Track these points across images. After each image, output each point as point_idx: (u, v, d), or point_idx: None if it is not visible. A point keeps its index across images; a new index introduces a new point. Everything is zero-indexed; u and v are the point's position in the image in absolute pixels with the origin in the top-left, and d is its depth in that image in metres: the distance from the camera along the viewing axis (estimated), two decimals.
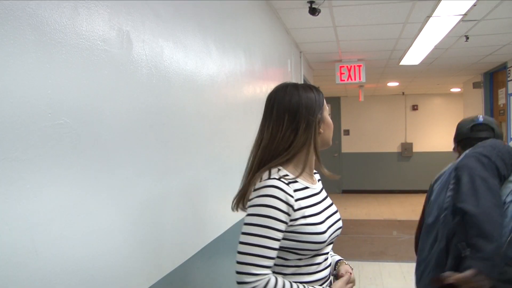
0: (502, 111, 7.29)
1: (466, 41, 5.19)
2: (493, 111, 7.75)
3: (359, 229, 7.61)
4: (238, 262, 1.32)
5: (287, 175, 1.43)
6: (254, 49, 3.15)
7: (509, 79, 6.83)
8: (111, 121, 1.34)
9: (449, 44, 5.53)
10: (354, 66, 6.45)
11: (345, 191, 11.36)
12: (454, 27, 4.61)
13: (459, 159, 2.06)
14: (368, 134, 11.59)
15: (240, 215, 2.63)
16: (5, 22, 0.95)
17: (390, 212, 9.13)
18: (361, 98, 9.08)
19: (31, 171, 1.02)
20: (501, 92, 7.30)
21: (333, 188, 11.54)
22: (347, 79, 6.47)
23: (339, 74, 6.50)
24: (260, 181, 1.40)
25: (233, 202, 1.51)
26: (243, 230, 1.35)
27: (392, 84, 9.73)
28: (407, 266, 5.39)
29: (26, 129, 1.01)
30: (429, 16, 4.26)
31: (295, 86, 1.51)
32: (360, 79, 6.45)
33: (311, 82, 7.23)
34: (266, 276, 1.32)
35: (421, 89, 11.06)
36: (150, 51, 1.57)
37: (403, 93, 11.56)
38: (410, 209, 9.10)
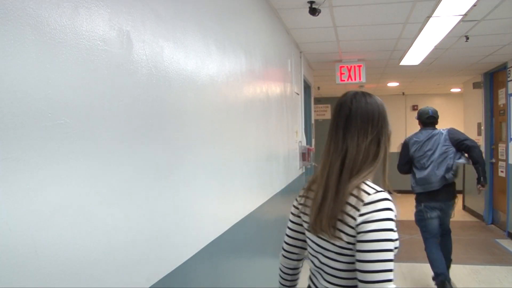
0: (502, 111, 7.29)
1: (466, 41, 5.19)
2: (493, 111, 7.75)
3: None
4: (378, 281, 1.30)
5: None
6: (254, 49, 3.15)
7: (509, 79, 6.82)
8: (111, 121, 1.34)
9: (449, 44, 5.53)
10: (354, 66, 6.45)
11: None
12: (454, 27, 4.60)
13: (445, 130, 4.53)
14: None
15: (240, 215, 2.64)
16: (5, 22, 0.95)
17: None
18: None
19: (32, 171, 1.02)
20: (501, 92, 7.29)
21: None
22: (347, 79, 6.48)
23: (339, 74, 6.50)
24: (369, 195, 1.37)
25: (322, 222, 1.42)
26: (381, 247, 1.32)
27: (392, 84, 9.73)
28: (406, 266, 5.39)
29: (27, 129, 1.01)
30: (429, 16, 4.26)
31: (370, 95, 1.52)
32: (360, 79, 6.46)
33: (311, 82, 7.23)
34: None
35: (421, 89, 11.06)
36: (150, 51, 1.57)
37: (403, 93, 11.56)
38: (410, 209, 9.06)
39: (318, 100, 11.29)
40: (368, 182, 1.41)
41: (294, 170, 5.03)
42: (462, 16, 4.24)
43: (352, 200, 1.38)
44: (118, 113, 1.38)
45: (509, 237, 6.75)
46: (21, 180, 0.99)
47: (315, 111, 9.19)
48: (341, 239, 1.39)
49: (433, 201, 4.51)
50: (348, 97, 1.51)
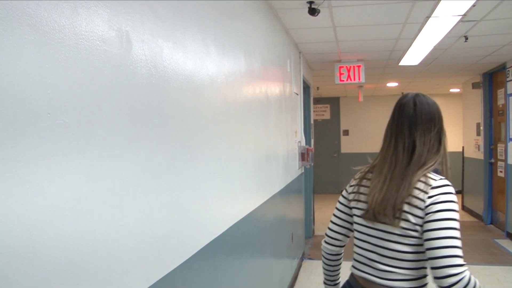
0: (501, 112, 7.29)
1: (466, 41, 5.19)
2: (492, 112, 7.76)
3: None
4: (449, 256, 1.42)
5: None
6: (253, 49, 3.15)
7: (508, 79, 6.83)
8: (111, 121, 1.34)
9: (448, 45, 5.54)
10: (354, 66, 6.45)
11: None
12: (453, 27, 4.61)
13: None
14: (368, 134, 11.58)
15: (239, 215, 2.64)
16: (4, 22, 0.95)
17: None
18: (361, 99, 9.09)
19: (30, 171, 1.02)
20: (500, 93, 7.30)
21: (332, 188, 11.56)
22: (347, 79, 6.48)
23: (338, 74, 6.51)
24: (435, 181, 1.54)
25: (386, 208, 1.57)
26: (449, 225, 1.46)
27: (392, 84, 9.74)
28: None
29: (26, 130, 1.01)
30: (428, 17, 4.27)
31: (428, 96, 1.70)
32: (359, 79, 6.46)
33: (311, 82, 7.23)
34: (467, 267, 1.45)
35: (420, 90, 10.89)
36: (150, 51, 1.57)
37: (402, 94, 11.55)
38: None
39: (318, 100, 11.30)
40: (431, 173, 1.58)
41: (293, 170, 5.03)
42: (461, 17, 4.24)
43: (420, 185, 1.54)
44: (118, 113, 1.38)
45: (508, 237, 6.76)
46: (19, 180, 0.99)
47: (314, 111, 9.19)
48: (407, 220, 1.53)
49: None
50: (410, 98, 1.68)
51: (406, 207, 1.54)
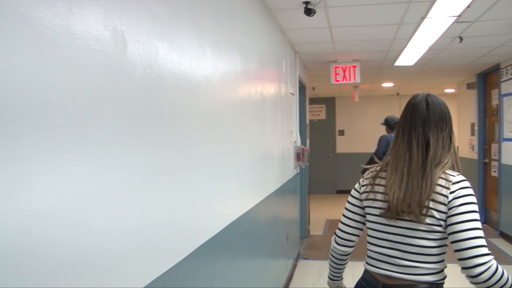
0: (495, 112, 7.33)
1: (460, 42, 5.21)
2: (486, 112, 7.79)
3: None
4: (475, 246, 1.51)
5: None
6: (249, 49, 3.15)
7: (502, 80, 6.86)
8: (106, 121, 1.34)
9: (443, 45, 5.56)
10: (349, 66, 6.46)
11: (340, 191, 11.37)
12: (448, 28, 4.62)
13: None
14: (363, 134, 11.61)
15: (234, 215, 2.64)
16: None
17: None
18: (356, 99, 9.10)
19: (26, 171, 1.01)
20: (494, 93, 7.33)
21: (328, 188, 11.58)
22: (342, 80, 6.49)
23: (333, 74, 6.52)
24: (454, 177, 1.63)
25: (411, 205, 1.62)
26: (472, 217, 1.55)
27: (387, 84, 9.76)
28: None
29: (21, 130, 1.00)
30: (423, 17, 4.28)
31: (438, 97, 1.76)
32: (354, 79, 6.47)
33: (306, 82, 7.24)
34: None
35: (415, 90, 10.99)
36: (145, 51, 1.57)
37: (397, 94, 11.59)
38: None
39: (313, 100, 11.30)
40: (449, 170, 1.66)
41: (289, 170, 5.03)
42: (456, 17, 4.26)
43: (442, 182, 1.61)
44: (113, 113, 1.38)
45: (501, 236, 6.79)
46: (15, 179, 0.98)
47: (310, 111, 9.20)
48: (433, 216, 1.60)
49: None
50: (422, 98, 1.74)
51: (431, 204, 1.61)
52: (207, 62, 2.22)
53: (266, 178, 3.70)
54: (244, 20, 3.10)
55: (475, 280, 1.51)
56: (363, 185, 1.82)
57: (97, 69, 1.30)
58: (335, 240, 1.91)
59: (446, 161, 1.66)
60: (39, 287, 1.05)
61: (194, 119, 2.04)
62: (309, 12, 3.82)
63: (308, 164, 6.51)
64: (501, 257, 5.95)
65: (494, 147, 7.34)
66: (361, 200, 1.82)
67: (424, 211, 1.61)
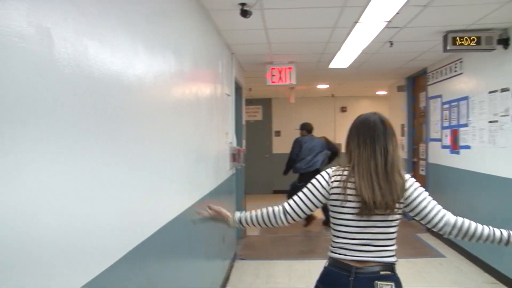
0: (422, 113, 7.69)
1: (391, 46, 5.42)
2: (415, 113, 8.17)
3: (288, 229, 7.71)
4: (441, 209, 2.05)
5: None
6: (184, 49, 3.11)
7: (428, 83, 7.22)
8: (33, 122, 1.27)
9: (375, 49, 5.76)
10: (285, 68, 6.55)
11: (276, 191, 11.47)
12: (379, 33, 4.80)
13: (317, 138, 7.85)
14: (299, 135, 11.78)
15: (169, 217, 2.60)
16: None
17: (319, 210, 9.34)
18: (292, 100, 9.24)
19: None
20: (422, 96, 7.70)
21: (264, 188, 11.67)
22: (278, 81, 6.57)
23: (269, 76, 6.59)
24: (406, 175, 2.08)
25: (388, 202, 2.00)
26: (430, 198, 2.07)
27: (322, 86, 9.99)
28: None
29: None
30: (356, 22, 4.41)
31: (382, 114, 2.20)
32: (290, 81, 6.57)
33: (243, 83, 7.26)
34: None
35: (349, 92, 11.43)
36: (73, 50, 1.51)
37: (332, 95, 11.89)
38: None
39: (250, 101, 11.33)
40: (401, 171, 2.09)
41: (224, 171, 5.02)
42: (386, 23, 4.43)
43: (400, 180, 2.04)
44: (40, 113, 1.31)
45: (427, 231, 7.14)
46: None
47: (246, 112, 9.24)
48: (399, 208, 2.05)
49: None
50: (376, 117, 2.13)
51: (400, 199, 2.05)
52: (140, 62, 2.17)
53: (201, 179, 3.67)
54: (179, 20, 3.06)
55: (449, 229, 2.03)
56: (333, 187, 2.10)
57: (21, 67, 1.23)
58: (289, 213, 2.16)
59: (401, 164, 2.08)
60: None
61: (125, 119, 1.98)
62: (245, 13, 3.83)
63: (244, 164, 6.54)
64: (427, 251, 6.26)
65: (422, 147, 7.71)
66: (329, 193, 2.11)
67: (397, 205, 2.02)
